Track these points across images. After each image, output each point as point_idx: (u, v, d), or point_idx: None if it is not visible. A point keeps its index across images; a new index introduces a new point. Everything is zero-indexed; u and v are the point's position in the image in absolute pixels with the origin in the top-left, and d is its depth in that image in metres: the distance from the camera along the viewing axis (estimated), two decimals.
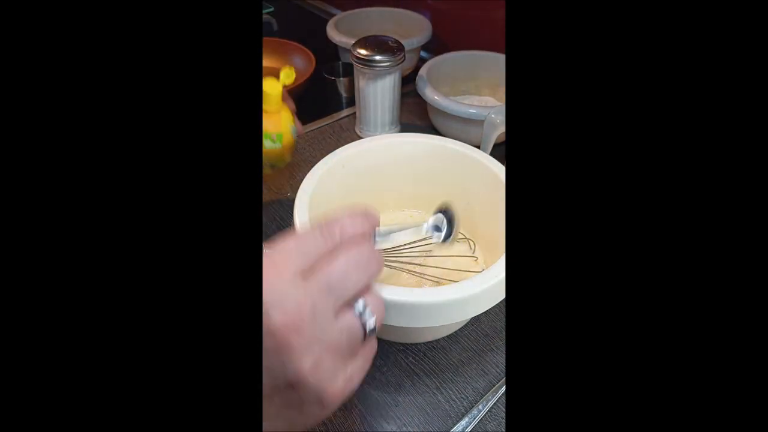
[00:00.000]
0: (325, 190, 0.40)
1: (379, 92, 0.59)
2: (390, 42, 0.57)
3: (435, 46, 0.82)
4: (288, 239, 0.21)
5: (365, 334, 0.22)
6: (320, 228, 0.22)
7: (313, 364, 0.19)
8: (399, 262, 0.40)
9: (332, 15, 0.85)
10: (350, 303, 0.22)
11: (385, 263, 0.39)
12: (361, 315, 0.22)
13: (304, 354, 0.19)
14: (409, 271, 0.42)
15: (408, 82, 0.73)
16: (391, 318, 0.30)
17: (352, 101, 0.73)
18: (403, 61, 0.57)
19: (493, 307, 0.32)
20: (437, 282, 0.42)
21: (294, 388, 0.19)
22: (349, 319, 0.21)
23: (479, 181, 0.42)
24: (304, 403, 0.20)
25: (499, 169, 0.40)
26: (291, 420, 0.20)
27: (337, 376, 0.20)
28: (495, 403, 0.36)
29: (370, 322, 0.22)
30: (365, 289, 0.22)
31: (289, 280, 0.20)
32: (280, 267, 0.20)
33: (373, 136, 0.55)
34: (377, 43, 0.57)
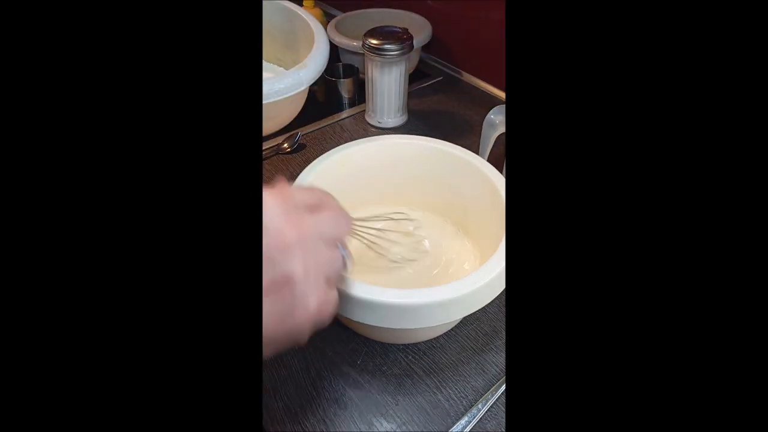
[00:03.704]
0: (322, 185, 0.40)
1: (386, 80, 0.62)
2: (398, 32, 0.61)
3: (435, 46, 0.82)
4: (285, 184, 0.26)
5: (340, 274, 0.27)
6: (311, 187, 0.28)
7: (304, 271, 0.23)
8: (368, 234, 0.38)
9: (332, 16, 0.85)
10: (334, 245, 0.26)
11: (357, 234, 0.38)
12: (343, 256, 0.27)
13: (298, 258, 0.23)
14: (371, 247, 0.40)
15: (409, 82, 0.73)
16: (376, 319, 0.30)
17: (353, 102, 0.73)
18: (411, 50, 0.61)
19: (493, 307, 0.32)
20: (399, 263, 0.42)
21: (286, 284, 0.22)
22: (336, 254, 0.26)
23: (475, 186, 0.42)
24: (292, 302, 0.23)
25: (493, 175, 0.40)
26: (277, 317, 0.22)
27: (320, 290, 0.24)
28: (494, 403, 0.36)
29: (348, 264, 0.28)
30: (342, 239, 0.27)
31: (293, 206, 0.24)
32: (287, 196, 0.24)
33: (383, 123, 0.65)
34: (386, 33, 0.60)
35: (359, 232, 0.37)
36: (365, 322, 0.31)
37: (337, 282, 0.28)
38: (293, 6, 0.65)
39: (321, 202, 0.27)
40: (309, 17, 0.65)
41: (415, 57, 0.79)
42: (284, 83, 0.54)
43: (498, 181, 0.39)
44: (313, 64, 0.58)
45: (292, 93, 0.55)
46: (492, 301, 0.32)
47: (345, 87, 0.72)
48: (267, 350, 0.23)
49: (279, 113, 0.59)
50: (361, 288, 0.30)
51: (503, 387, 0.37)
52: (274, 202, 0.23)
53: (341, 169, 0.42)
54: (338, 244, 0.27)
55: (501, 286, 0.32)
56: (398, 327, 0.31)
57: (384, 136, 0.44)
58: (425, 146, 0.44)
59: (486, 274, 0.31)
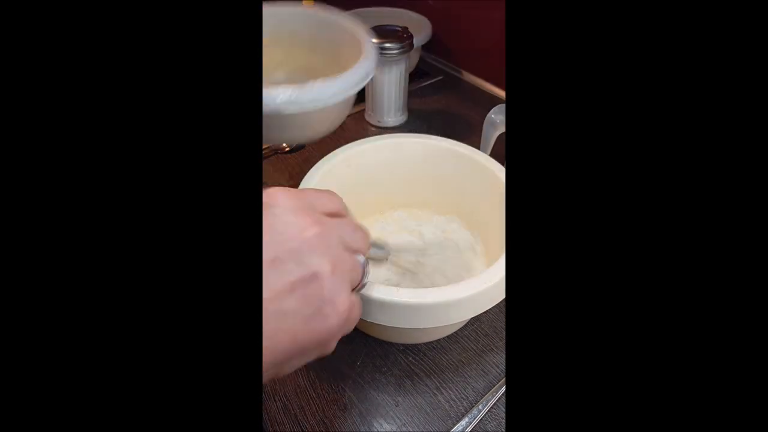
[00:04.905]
0: (328, 186, 0.40)
1: (386, 79, 0.62)
2: (398, 31, 0.60)
3: (435, 45, 0.82)
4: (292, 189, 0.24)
5: (361, 283, 0.25)
6: (328, 191, 0.26)
7: (332, 268, 0.21)
8: (402, 266, 0.40)
9: None
10: (354, 252, 0.24)
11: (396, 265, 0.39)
12: (363, 266, 0.25)
13: (325, 255, 0.21)
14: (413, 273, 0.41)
15: (409, 81, 0.73)
16: (391, 319, 0.30)
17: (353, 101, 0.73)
18: (411, 49, 0.60)
19: (493, 307, 0.32)
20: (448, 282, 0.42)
21: (314, 280, 0.21)
22: (355, 260, 0.24)
23: (481, 182, 0.42)
24: (321, 301, 0.21)
25: (499, 171, 0.40)
26: (306, 318, 0.21)
27: (346, 292, 0.22)
28: (495, 403, 0.36)
29: (367, 276, 0.26)
30: (362, 250, 0.25)
31: (308, 205, 0.23)
32: (300, 194, 0.23)
33: (383, 122, 0.64)
34: (386, 32, 0.60)
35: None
36: (378, 322, 0.31)
37: (358, 291, 0.26)
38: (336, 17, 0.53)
39: (339, 210, 0.25)
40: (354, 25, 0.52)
41: (415, 56, 0.79)
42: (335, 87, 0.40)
43: (504, 176, 0.39)
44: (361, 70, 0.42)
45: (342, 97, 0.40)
46: None
47: None
48: (295, 362, 0.22)
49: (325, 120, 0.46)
50: (374, 288, 0.29)
51: (503, 388, 0.36)
52: (286, 197, 0.22)
53: (346, 170, 0.42)
54: (359, 255, 0.25)
55: None
56: (411, 327, 0.31)
57: (388, 135, 0.44)
58: (430, 145, 0.44)
59: (498, 272, 0.31)
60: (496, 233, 0.40)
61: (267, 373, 0.20)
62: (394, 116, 0.66)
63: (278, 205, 0.21)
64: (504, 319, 0.42)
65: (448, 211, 0.48)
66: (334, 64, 0.47)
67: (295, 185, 0.38)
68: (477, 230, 0.45)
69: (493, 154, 0.51)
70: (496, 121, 0.49)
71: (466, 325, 0.41)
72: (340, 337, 0.23)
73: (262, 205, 0.21)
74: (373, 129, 0.66)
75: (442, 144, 0.43)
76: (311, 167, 0.40)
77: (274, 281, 0.20)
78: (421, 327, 0.31)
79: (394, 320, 0.30)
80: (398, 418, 0.35)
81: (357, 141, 0.43)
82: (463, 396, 0.36)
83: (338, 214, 0.25)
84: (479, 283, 0.30)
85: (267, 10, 0.47)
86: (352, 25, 0.48)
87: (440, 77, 0.80)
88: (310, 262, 0.21)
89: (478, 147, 0.51)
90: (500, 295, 0.32)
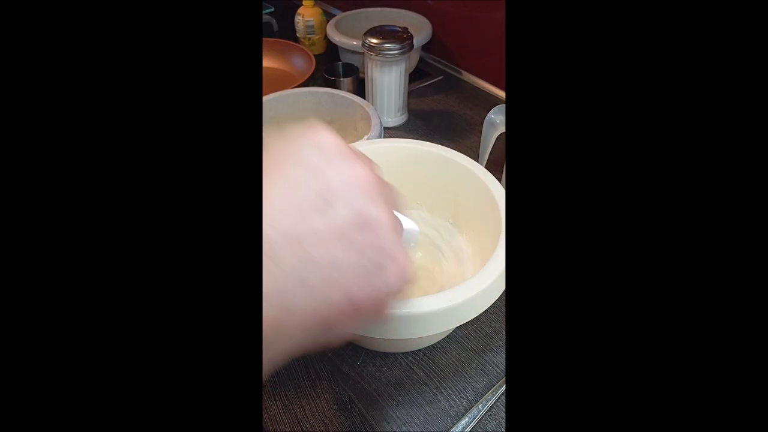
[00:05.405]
0: None
1: (386, 79, 0.62)
2: (398, 31, 0.61)
3: (435, 46, 0.82)
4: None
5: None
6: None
7: (388, 218, 0.18)
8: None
9: (332, 15, 0.85)
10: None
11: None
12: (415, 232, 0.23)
13: (381, 202, 0.18)
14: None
15: (409, 81, 0.74)
16: (375, 330, 0.30)
17: None
18: (411, 49, 0.61)
19: (493, 307, 0.32)
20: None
21: (368, 228, 0.18)
22: (398, 219, 0.21)
23: (471, 191, 0.42)
24: (380, 253, 0.18)
25: (488, 180, 0.40)
26: (363, 270, 0.18)
27: (402, 247, 0.19)
28: (495, 403, 0.36)
29: (416, 238, 0.24)
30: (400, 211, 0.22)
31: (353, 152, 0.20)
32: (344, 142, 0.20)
33: (383, 122, 0.62)
34: (386, 33, 0.60)
35: None
36: (357, 333, 0.30)
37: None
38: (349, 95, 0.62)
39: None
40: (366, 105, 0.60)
41: (415, 56, 0.79)
42: None
43: (493, 185, 0.39)
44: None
45: None
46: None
47: (345, 86, 0.72)
48: (348, 323, 0.19)
49: None
50: None
51: (503, 387, 0.36)
52: (334, 138, 0.19)
53: None
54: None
55: (497, 292, 0.32)
56: (388, 337, 0.30)
57: (383, 140, 0.44)
58: (423, 150, 0.43)
59: (481, 282, 0.30)
60: (485, 240, 0.40)
61: (313, 332, 0.18)
62: (394, 116, 0.66)
63: (325, 141, 0.19)
64: (504, 319, 0.42)
65: (440, 215, 0.47)
66: (346, 132, 0.61)
67: None
68: (467, 235, 0.45)
69: (493, 154, 0.51)
70: (495, 121, 0.49)
71: (465, 325, 0.41)
72: (397, 299, 0.20)
73: (304, 137, 0.19)
74: None
75: (434, 150, 0.43)
76: None
77: (318, 225, 0.17)
78: (398, 338, 0.30)
79: (371, 330, 0.30)
80: (398, 417, 0.35)
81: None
82: (462, 396, 0.36)
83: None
84: (461, 293, 0.29)
85: (292, 91, 0.60)
86: (360, 100, 0.58)
87: (440, 77, 0.80)
88: (363, 207, 0.18)
89: (477, 147, 0.51)
90: (485, 304, 0.31)
